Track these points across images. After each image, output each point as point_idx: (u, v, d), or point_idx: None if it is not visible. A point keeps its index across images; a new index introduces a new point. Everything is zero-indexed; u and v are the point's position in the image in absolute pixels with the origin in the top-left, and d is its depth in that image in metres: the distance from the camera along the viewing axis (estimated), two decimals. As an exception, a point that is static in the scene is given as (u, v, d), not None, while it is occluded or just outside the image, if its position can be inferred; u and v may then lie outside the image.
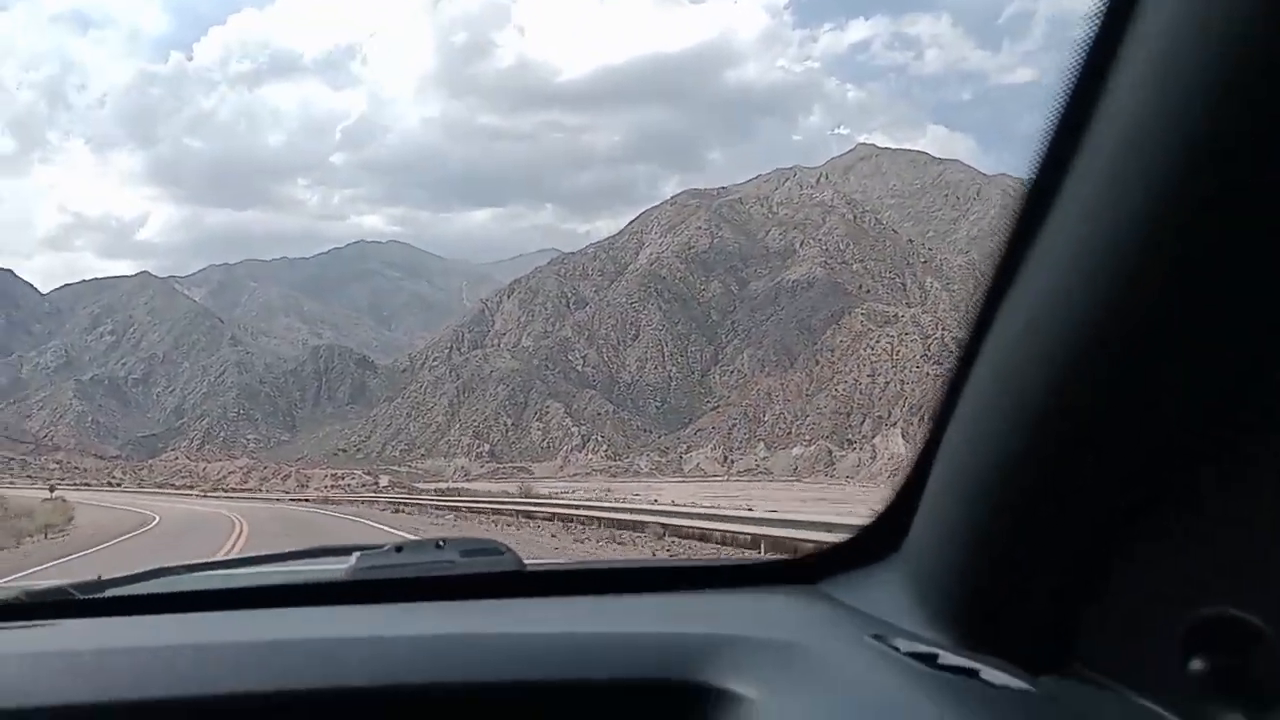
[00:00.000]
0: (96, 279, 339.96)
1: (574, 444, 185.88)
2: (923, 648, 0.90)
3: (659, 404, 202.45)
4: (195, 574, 1.52)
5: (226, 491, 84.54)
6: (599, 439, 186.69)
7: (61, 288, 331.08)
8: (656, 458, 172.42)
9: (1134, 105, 0.64)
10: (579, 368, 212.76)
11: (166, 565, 1.47)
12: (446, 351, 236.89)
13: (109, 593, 1.35)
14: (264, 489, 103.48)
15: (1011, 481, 0.83)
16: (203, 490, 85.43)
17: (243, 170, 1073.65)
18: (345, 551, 1.44)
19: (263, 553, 1.67)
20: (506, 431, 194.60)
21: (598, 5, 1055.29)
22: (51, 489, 56.75)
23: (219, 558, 1.61)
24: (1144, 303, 0.67)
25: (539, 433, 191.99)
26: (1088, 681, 0.80)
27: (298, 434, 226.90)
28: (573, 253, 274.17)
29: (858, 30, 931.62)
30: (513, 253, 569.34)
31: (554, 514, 26.92)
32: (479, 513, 32.00)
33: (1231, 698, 0.68)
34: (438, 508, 36.34)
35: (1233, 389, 0.67)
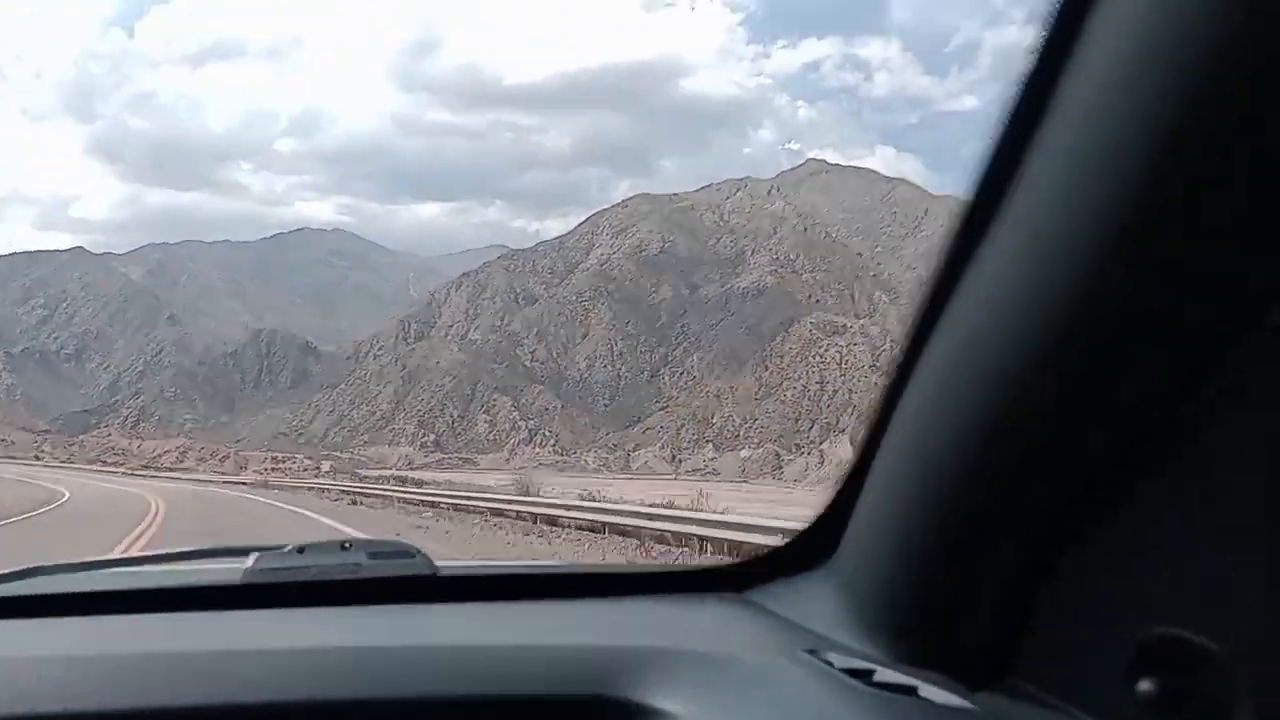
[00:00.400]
0: (28, 252, 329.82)
1: (521, 438, 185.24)
2: (858, 663, 0.86)
3: (607, 402, 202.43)
4: (79, 573, 1.41)
5: (158, 471, 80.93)
6: (547, 434, 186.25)
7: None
8: (604, 454, 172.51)
9: (1074, 126, 0.66)
10: (527, 363, 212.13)
11: (46, 564, 1.35)
12: (392, 341, 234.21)
13: None
14: (200, 469, 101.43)
15: (951, 493, 0.82)
16: (129, 468, 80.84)
17: (185, 151, 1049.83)
18: (243, 552, 1.33)
19: (159, 550, 1.57)
20: (452, 422, 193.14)
21: (552, 8, 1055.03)
22: None
23: (110, 556, 1.39)
24: (1083, 318, 0.67)
25: (485, 425, 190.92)
26: (1029, 698, 0.78)
27: (237, 416, 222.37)
28: (522, 249, 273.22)
29: (810, 50, 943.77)
30: (461, 247, 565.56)
31: (600, 523, 19.04)
32: (469, 511, 25.17)
33: (1179, 719, 0.66)
34: (406, 501, 30.09)
35: (1176, 404, 0.66)
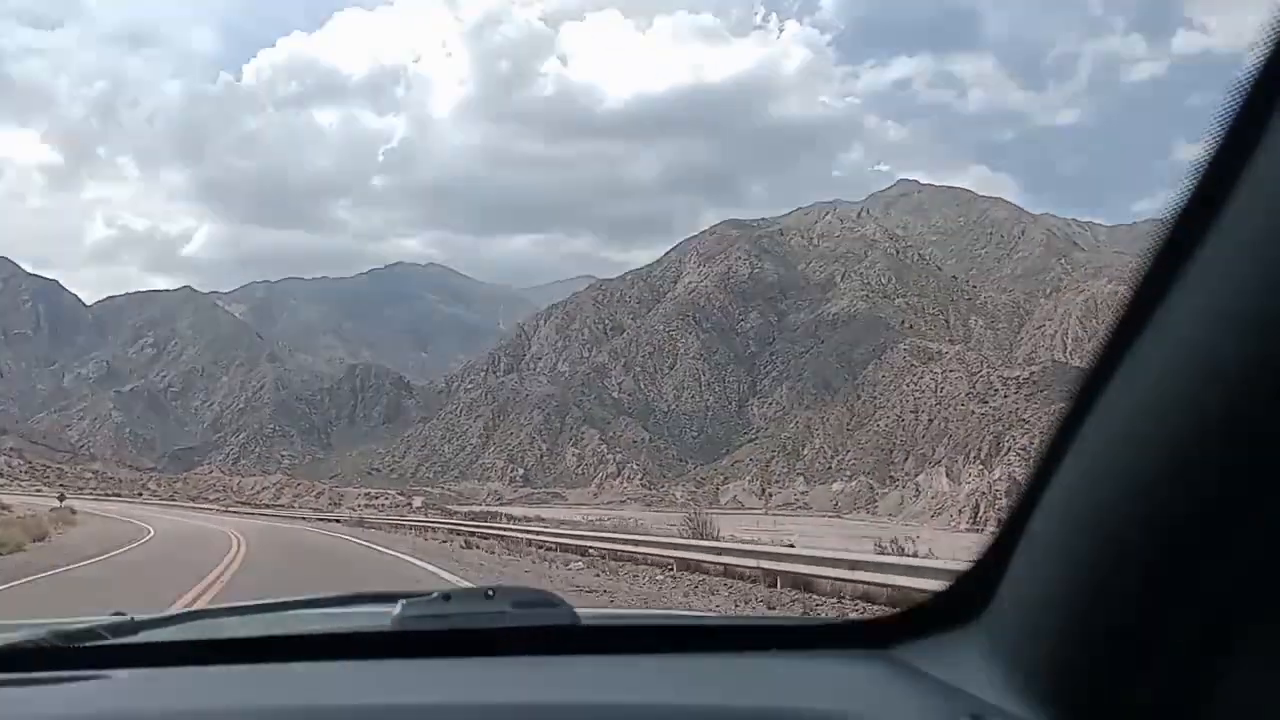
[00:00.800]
0: (140, 292, 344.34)
1: (609, 471, 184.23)
2: None
3: (695, 433, 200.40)
4: (230, 617, 1.48)
5: (255, 508, 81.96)
6: (634, 467, 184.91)
7: (105, 300, 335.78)
8: (692, 488, 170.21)
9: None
10: (615, 394, 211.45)
11: (203, 608, 1.45)
12: (483, 374, 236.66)
13: (142, 636, 1.30)
14: (296, 505, 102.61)
15: (1125, 550, 0.76)
16: (223, 506, 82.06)
17: (286, 190, 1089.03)
18: (390, 598, 1.37)
19: (304, 596, 1.64)
20: (541, 456, 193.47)
21: (640, 36, 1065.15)
22: (61, 498, 55.02)
23: (257, 601, 1.56)
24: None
25: (573, 459, 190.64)
26: None
27: (332, 452, 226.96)
28: (610, 279, 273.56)
29: (900, 68, 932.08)
30: (550, 279, 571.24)
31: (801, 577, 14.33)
32: (631, 560, 19.58)
33: None
34: (537, 544, 25.16)
35: None
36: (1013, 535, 0.92)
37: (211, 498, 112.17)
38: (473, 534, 30.51)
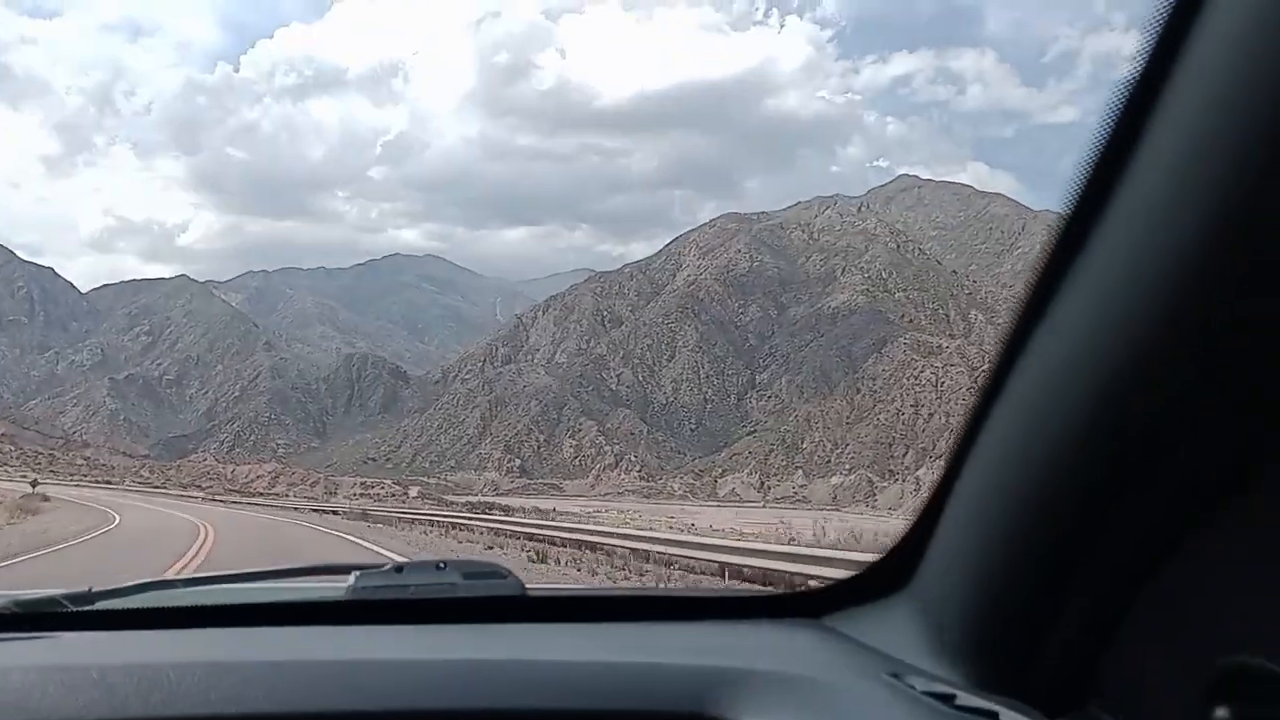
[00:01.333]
0: (135, 280, 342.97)
1: (606, 463, 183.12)
2: (940, 687, 0.88)
3: (694, 426, 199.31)
4: (188, 588, 1.51)
5: (248, 496, 78.43)
6: (632, 459, 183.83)
7: (101, 287, 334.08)
8: (690, 481, 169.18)
9: (1176, 142, 0.65)
10: (613, 386, 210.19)
11: (159, 579, 1.47)
12: (480, 365, 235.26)
13: (100, 605, 1.33)
14: (291, 494, 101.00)
15: (1034, 521, 0.83)
16: (207, 494, 76.26)
17: (283, 181, 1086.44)
18: (344, 570, 1.42)
19: (262, 569, 1.66)
20: (538, 447, 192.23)
21: (639, 30, 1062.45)
22: (34, 484, 52.66)
23: (215, 573, 1.60)
24: (1178, 346, 0.67)
25: (571, 450, 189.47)
26: None
27: (328, 441, 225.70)
28: (609, 272, 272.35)
29: (901, 64, 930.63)
30: (547, 271, 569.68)
31: None
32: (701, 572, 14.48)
33: None
34: (578, 543, 19.11)
35: (1262, 434, 0.67)
36: (934, 512, 0.99)
37: (204, 485, 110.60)
38: (538, 539, 21.35)
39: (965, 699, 0.84)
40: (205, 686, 1.00)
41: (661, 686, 1.02)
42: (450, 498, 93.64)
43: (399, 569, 1.37)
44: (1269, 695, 0.65)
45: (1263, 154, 0.59)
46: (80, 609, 1.29)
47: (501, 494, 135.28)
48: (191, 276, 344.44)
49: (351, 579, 1.35)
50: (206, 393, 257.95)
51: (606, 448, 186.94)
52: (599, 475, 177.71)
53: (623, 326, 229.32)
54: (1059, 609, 0.82)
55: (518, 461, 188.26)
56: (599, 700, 1.00)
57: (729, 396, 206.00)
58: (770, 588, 10.25)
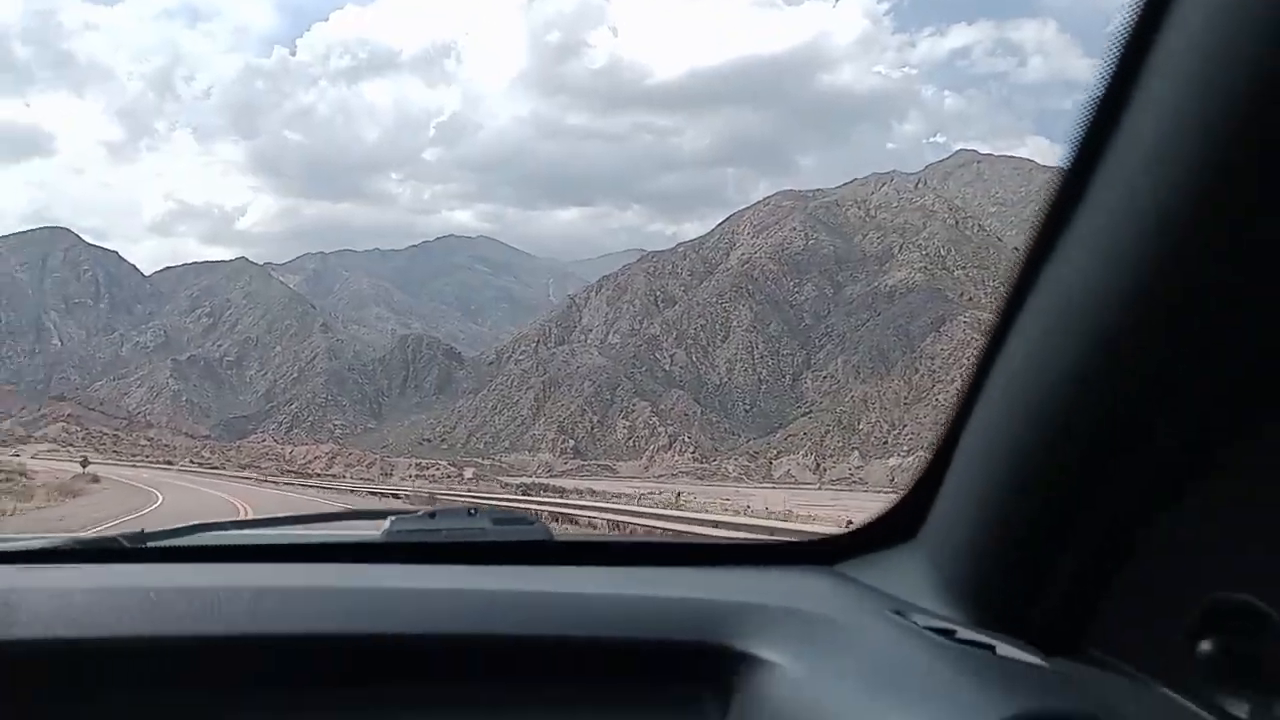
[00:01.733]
0: (196, 263, 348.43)
1: (660, 444, 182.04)
2: (941, 623, 0.94)
3: (748, 407, 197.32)
4: (236, 530, 1.60)
5: (305, 478, 76.78)
6: (686, 440, 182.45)
7: (163, 270, 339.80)
8: (745, 462, 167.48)
9: (1170, 99, 0.67)
10: (666, 367, 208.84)
11: (209, 521, 1.57)
12: (533, 346, 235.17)
13: (152, 544, 1.41)
14: (347, 475, 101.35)
15: (1034, 471, 0.87)
16: (262, 475, 73.60)
17: (339, 163, 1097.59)
18: (379, 515, 1.51)
19: (298, 513, 1.80)
20: (592, 428, 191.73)
21: (691, 6, 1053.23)
22: (84, 463, 52.05)
23: (257, 517, 1.53)
24: (1170, 296, 0.70)
25: (624, 431, 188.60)
26: (1099, 663, 0.85)
27: (384, 422, 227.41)
28: (661, 251, 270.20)
29: (959, 36, 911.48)
30: (599, 252, 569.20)
31: None
32: None
33: (1240, 681, 0.71)
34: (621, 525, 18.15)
35: (1252, 382, 0.70)
36: (941, 465, 1.03)
37: (262, 466, 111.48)
38: (581, 521, 20.07)
39: (965, 633, 0.90)
40: (251, 608, 1.07)
41: (677, 619, 1.09)
42: (504, 479, 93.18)
43: (432, 515, 1.45)
44: (1250, 628, 0.69)
45: (1234, 135, 0.61)
46: (135, 545, 1.37)
47: (555, 475, 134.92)
48: (250, 259, 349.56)
49: (387, 523, 1.44)
50: (265, 374, 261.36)
51: (660, 429, 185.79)
52: (653, 456, 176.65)
53: (676, 306, 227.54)
54: (1058, 556, 0.86)
55: (571, 442, 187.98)
56: (617, 629, 1.07)
57: (784, 377, 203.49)
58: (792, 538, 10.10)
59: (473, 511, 1.45)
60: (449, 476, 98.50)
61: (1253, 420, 0.71)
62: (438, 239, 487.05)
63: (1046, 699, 0.79)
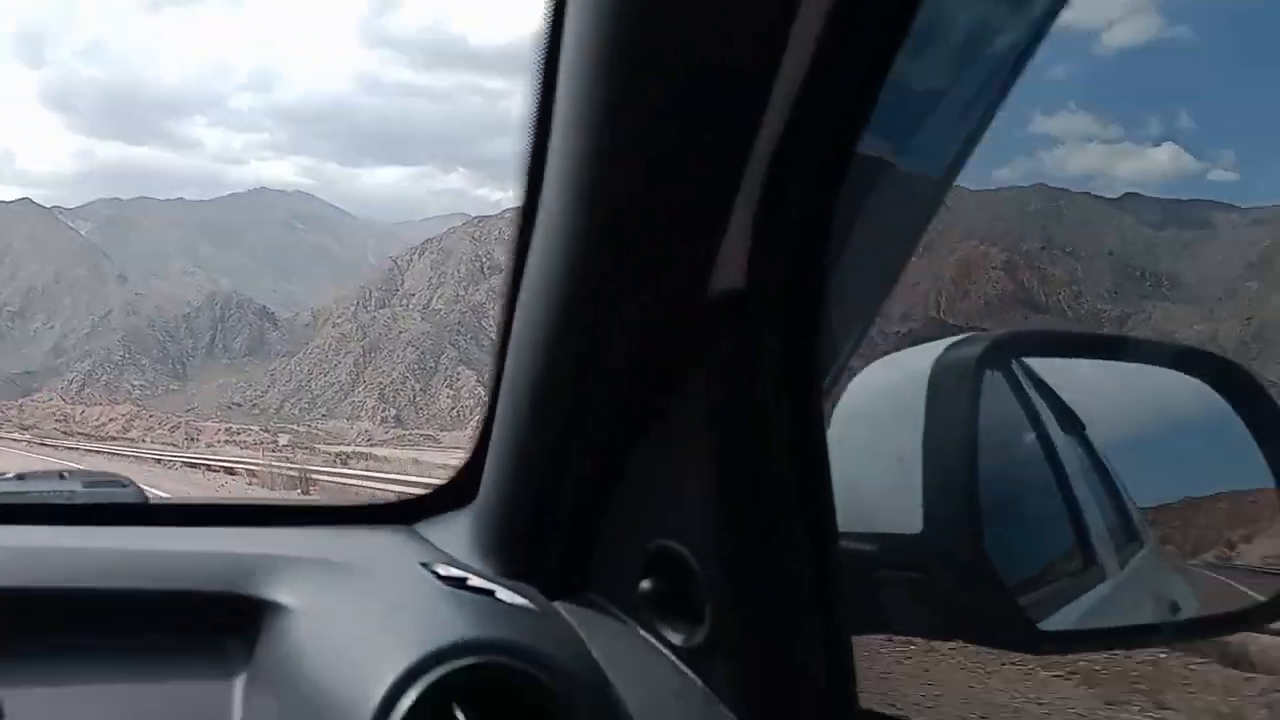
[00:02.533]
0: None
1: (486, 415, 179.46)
2: (456, 572, 1.06)
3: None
4: None
5: (97, 441, 68.31)
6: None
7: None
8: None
9: (568, 131, 0.80)
10: (493, 335, 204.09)
11: None
12: (353, 309, 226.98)
13: None
14: (147, 439, 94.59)
15: (532, 442, 1.03)
16: (35, 436, 67.00)
17: (138, 102, 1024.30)
18: None
19: None
20: (414, 396, 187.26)
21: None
22: None
23: None
24: (588, 299, 0.87)
25: (449, 400, 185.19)
26: (591, 604, 1.01)
27: (188, 384, 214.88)
28: (488, 216, 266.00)
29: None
30: (422, 214, 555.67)
31: None
32: None
33: (674, 613, 0.90)
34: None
35: (663, 368, 0.87)
36: (487, 433, 1.15)
37: (45, 427, 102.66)
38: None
39: (476, 582, 1.03)
40: None
41: (209, 572, 1.14)
42: (322, 447, 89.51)
43: (21, 476, 1.44)
44: (676, 570, 0.88)
45: (613, 145, 0.74)
46: None
47: (375, 444, 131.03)
48: (36, 200, 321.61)
49: None
50: (53, 327, 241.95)
51: (486, 399, 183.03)
52: (478, 427, 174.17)
53: (503, 273, 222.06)
54: (554, 512, 1.03)
55: (393, 411, 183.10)
56: (156, 583, 1.12)
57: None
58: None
59: (65, 475, 1.44)
60: (261, 443, 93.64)
61: (671, 403, 0.88)
62: (249, 191, 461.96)
63: (493, 630, 0.92)
